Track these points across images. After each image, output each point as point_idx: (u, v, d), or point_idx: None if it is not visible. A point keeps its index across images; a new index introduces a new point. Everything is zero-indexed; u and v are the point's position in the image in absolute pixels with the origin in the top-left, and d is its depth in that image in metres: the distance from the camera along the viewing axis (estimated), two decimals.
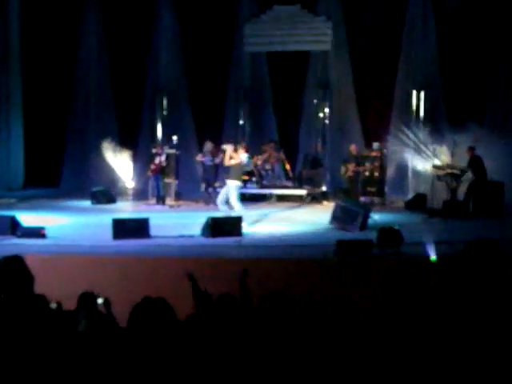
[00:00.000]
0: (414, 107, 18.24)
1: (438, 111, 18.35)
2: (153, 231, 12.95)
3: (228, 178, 14.58)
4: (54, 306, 7.02)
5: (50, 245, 12.23)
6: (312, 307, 6.05)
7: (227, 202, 14.45)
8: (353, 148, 17.76)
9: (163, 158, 17.61)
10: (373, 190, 17.57)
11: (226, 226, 13.10)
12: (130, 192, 18.73)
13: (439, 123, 17.98)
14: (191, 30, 19.44)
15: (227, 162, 14.49)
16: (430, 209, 15.98)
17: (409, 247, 11.62)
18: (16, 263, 8.77)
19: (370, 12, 18.73)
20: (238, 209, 14.22)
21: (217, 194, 17.72)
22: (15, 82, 20.71)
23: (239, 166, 14.46)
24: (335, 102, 19.35)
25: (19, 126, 20.78)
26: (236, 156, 14.44)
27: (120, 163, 19.92)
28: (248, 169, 16.39)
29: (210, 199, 17.35)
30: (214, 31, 19.14)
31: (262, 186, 18.37)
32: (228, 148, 14.61)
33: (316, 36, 19.07)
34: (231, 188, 14.33)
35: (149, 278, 10.54)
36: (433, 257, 10.72)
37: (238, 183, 14.46)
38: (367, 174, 17.59)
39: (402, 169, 18.37)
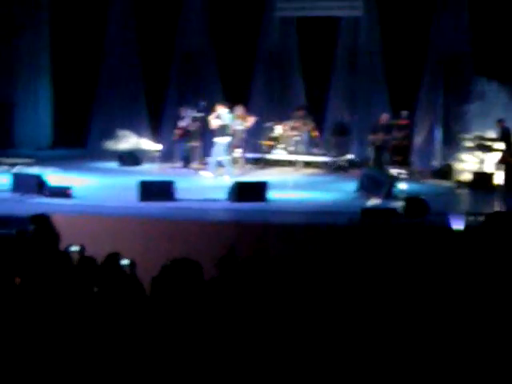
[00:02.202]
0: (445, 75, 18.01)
1: (468, 80, 18.07)
2: (178, 194, 12.98)
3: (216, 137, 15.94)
4: (76, 249, 7.07)
5: (76, 205, 12.31)
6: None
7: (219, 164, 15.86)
8: (384, 117, 17.55)
9: (189, 121, 17.57)
10: (400, 159, 17.43)
11: (252, 191, 13.09)
12: (157, 154, 18.78)
13: (470, 93, 17.72)
14: None
15: (214, 123, 15.86)
16: (457, 179, 15.86)
17: (435, 217, 11.56)
18: (43, 221, 8.88)
19: None
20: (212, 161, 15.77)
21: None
22: (44, 43, 20.75)
23: (224, 126, 15.89)
24: (364, 69, 19.16)
25: (48, 86, 20.85)
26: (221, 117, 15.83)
27: (147, 126, 19.99)
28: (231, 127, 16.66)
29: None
30: None
31: (289, 152, 18.31)
32: (218, 109, 15.92)
33: (347, 2, 18.86)
34: (221, 145, 15.68)
35: (173, 240, 10.60)
36: (457, 227, 10.66)
37: (226, 139, 15.90)
38: (395, 142, 17.45)
39: (430, 138, 18.19)
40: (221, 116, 16.07)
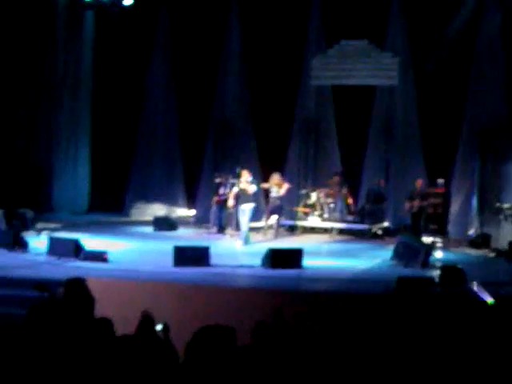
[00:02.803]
0: (480, 146, 17.99)
1: (504, 151, 18.01)
2: (213, 260, 12.99)
3: (242, 202, 15.99)
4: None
5: (112, 269, 12.36)
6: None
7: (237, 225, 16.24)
8: (419, 183, 17.53)
9: (228, 188, 17.71)
10: (436, 227, 17.33)
11: (286, 258, 13.05)
12: (192, 220, 18.87)
13: (506, 163, 17.66)
14: (258, 63, 19.58)
15: (246, 188, 15.90)
16: (495, 249, 15.68)
17: (471, 287, 11.39)
18: (78, 285, 8.91)
19: (438, 48, 18.59)
20: (244, 230, 15.79)
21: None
22: (84, 110, 21.18)
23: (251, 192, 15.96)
24: (400, 137, 19.22)
25: (86, 152, 21.20)
26: (247, 183, 15.94)
27: (182, 191, 20.17)
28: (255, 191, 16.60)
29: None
30: (280, 65, 19.24)
31: (324, 220, 18.30)
32: (244, 173, 16.08)
33: (383, 71, 19.06)
34: (246, 211, 15.78)
35: (207, 306, 10.56)
36: (490, 300, 10.50)
37: (252, 205, 15.94)
38: (431, 210, 17.37)
39: (467, 207, 18.08)
40: (249, 181, 16.19)
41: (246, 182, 16.05)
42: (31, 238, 14.77)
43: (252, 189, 15.99)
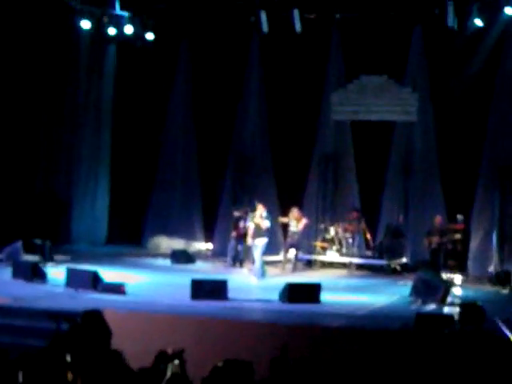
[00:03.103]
0: (500, 182, 17.92)
1: None
2: (230, 293, 12.95)
3: (255, 237, 15.99)
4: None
5: (129, 301, 12.35)
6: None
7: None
8: (438, 220, 17.46)
9: (267, 223, 17.64)
10: (455, 263, 17.20)
11: (304, 292, 12.99)
12: (209, 253, 18.85)
13: None
14: (277, 98, 19.67)
15: (260, 222, 15.91)
16: None
17: (491, 325, 11.26)
18: (95, 317, 8.89)
19: (457, 85, 18.60)
20: (257, 265, 15.71)
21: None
22: (105, 142, 21.33)
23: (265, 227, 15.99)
24: (419, 172, 19.17)
25: (106, 184, 21.30)
26: (261, 218, 15.98)
27: (200, 225, 20.17)
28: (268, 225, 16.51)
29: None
30: (300, 99, 19.32)
31: (342, 255, 18.22)
32: (259, 208, 16.10)
33: (402, 106, 19.09)
34: (260, 246, 15.78)
35: (225, 340, 10.50)
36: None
37: (265, 240, 15.92)
38: (450, 247, 17.26)
39: (486, 243, 17.94)
40: (263, 216, 16.16)
41: (260, 216, 16.02)
42: (50, 268, 14.79)
43: (266, 224, 15.98)
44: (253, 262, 16.58)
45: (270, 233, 16.47)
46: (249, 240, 16.55)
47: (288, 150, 19.53)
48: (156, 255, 18.91)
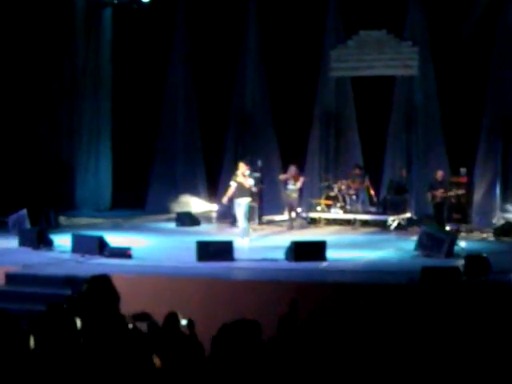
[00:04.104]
0: (503, 133, 17.86)
1: None
2: (236, 254, 13.01)
3: (238, 196, 15.25)
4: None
5: (136, 265, 12.42)
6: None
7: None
8: (439, 174, 17.45)
9: (251, 182, 17.68)
10: (459, 216, 17.24)
11: (310, 250, 13.04)
12: (214, 214, 18.90)
13: None
14: (276, 56, 19.56)
15: (243, 181, 15.19)
16: None
17: (496, 275, 11.33)
18: (103, 282, 8.95)
19: (457, 37, 18.45)
20: (243, 226, 15.12)
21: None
22: (105, 106, 21.27)
23: (248, 186, 15.33)
24: (421, 126, 19.12)
25: (108, 149, 21.30)
26: (244, 177, 15.25)
27: (204, 186, 20.19)
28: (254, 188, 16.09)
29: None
30: (299, 57, 19.20)
31: (346, 211, 18.26)
32: (241, 166, 15.41)
33: (402, 61, 18.97)
34: (242, 205, 15.12)
35: (232, 300, 10.58)
36: None
37: (248, 199, 15.30)
38: (454, 200, 17.28)
39: (490, 195, 17.96)
40: (246, 175, 15.43)
41: (242, 175, 15.33)
42: (55, 235, 14.85)
43: (249, 182, 15.35)
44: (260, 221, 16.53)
45: (253, 192, 15.85)
46: (224, 199, 15.72)
47: (289, 108, 19.46)
48: (161, 219, 18.94)
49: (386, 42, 18.97)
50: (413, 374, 5.18)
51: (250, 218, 16.24)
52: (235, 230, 16.21)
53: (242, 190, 15.22)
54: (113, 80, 21.11)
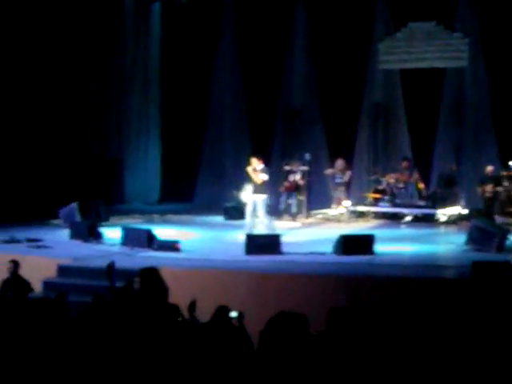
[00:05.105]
0: None
1: None
2: (284, 248, 13.00)
3: (254, 192, 14.46)
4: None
5: (184, 258, 12.48)
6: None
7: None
8: (489, 169, 17.19)
9: (298, 175, 17.68)
10: (511, 210, 16.96)
11: (358, 244, 12.96)
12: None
13: None
14: (324, 49, 19.49)
15: (254, 177, 14.42)
16: None
17: None
18: (152, 274, 9.05)
19: (508, 27, 18.15)
20: (267, 223, 14.39)
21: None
22: (154, 101, 21.45)
23: (260, 182, 14.43)
24: (471, 119, 18.88)
25: (156, 143, 21.49)
26: (256, 172, 14.42)
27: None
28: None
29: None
30: (347, 50, 19.10)
31: (395, 205, 18.11)
32: (253, 161, 14.56)
33: (452, 52, 18.75)
34: (261, 201, 14.37)
35: (280, 293, 10.58)
36: None
37: (263, 196, 14.47)
38: (506, 194, 17.01)
39: None
40: (258, 170, 14.57)
41: (254, 170, 14.51)
42: (105, 228, 15.02)
43: (262, 177, 14.44)
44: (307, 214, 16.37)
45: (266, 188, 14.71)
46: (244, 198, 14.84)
47: (337, 101, 19.38)
48: (209, 212, 19.01)
49: (436, 34, 18.78)
50: (465, 370, 5.12)
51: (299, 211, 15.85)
52: (285, 224, 16.21)
53: (255, 186, 14.47)
54: (161, 74, 21.27)
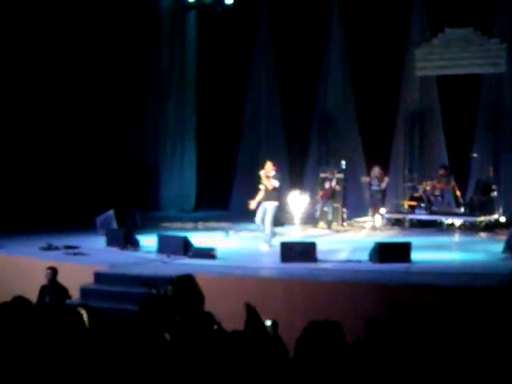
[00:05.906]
0: None
1: None
2: (320, 255, 12.95)
3: (265, 199, 14.16)
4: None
5: (220, 266, 12.49)
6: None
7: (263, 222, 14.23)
8: None
9: (334, 182, 17.63)
10: None
11: (394, 252, 12.87)
12: (298, 215, 18.86)
13: None
14: (360, 55, 19.44)
15: (266, 183, 14.09)
16: None
17: None
18: (188, 282, 9.08)
19: None
20: (267, 232, 14.12)
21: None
22: (190, 109, 21.56)
23: (271, 188, 14.10)
24: (509, 125, 18.68)
25: (193, 150, 21.59)
26: (268, 178, 14.10)
27: (287, 187, 20.15)
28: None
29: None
30: (383, 55, 19.03)
31: (431, 212, 17.95)
32: (267, 166, 14.25)
33: (490, 59, 18.58)
34: (269, 210, 14.10)
35: (315, 301, 10.53)
36: None
37: (275, 203, 14.17)
38: None
39: None
40: (270, 176, 14.19)
41: (266, 176, 14.09)
42: (141, 236, 15.10)
43: (273, 184, 14.04)
44: (342, 222, 16.31)
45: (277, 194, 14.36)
46: (252, 204, 14.32)
47: (373, 107, 19.30)
48: (244, 219, 19.01)
49: (473, 40, 18.63)
50: (501, 378, 5.05)
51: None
52: (320, 232, 16.21)
53: (267, 193, 14.10)
54: (197, 81, 21.37)
